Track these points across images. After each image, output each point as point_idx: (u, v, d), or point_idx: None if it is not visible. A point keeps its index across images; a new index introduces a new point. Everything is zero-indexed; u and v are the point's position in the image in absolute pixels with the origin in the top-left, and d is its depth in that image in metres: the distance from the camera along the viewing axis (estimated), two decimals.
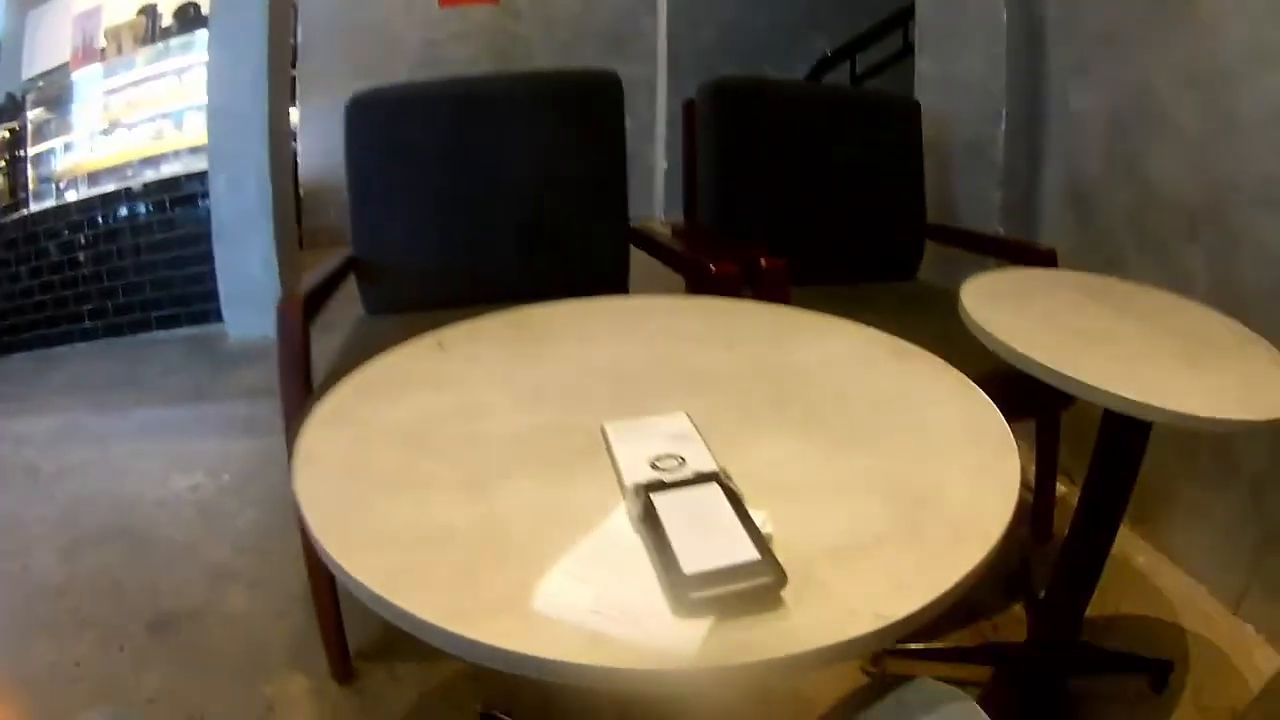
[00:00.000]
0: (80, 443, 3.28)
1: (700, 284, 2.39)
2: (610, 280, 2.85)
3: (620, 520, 1.04)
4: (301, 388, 2.09)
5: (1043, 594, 2.24)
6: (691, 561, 0.93)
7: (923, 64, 3.77)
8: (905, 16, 5.20)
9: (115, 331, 4.67)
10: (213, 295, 4.61)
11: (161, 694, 2.14)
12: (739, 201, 3.08)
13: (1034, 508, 2.85)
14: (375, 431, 1.27)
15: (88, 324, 4.65)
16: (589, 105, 2.91)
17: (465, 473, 1.16)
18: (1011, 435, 1.25)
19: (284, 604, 2.52)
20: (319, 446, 1.22)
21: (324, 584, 2.14)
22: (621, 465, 1.13)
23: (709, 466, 1.10)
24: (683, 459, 1.12)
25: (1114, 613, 2.48)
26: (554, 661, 0.86)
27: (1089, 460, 1.94)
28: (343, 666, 2.27)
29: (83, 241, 4.64)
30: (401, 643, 2.31)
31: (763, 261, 2.40)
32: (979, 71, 3.42)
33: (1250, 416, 1.54)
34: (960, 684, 2.08)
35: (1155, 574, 2.65)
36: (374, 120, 2.77)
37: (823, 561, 0.99)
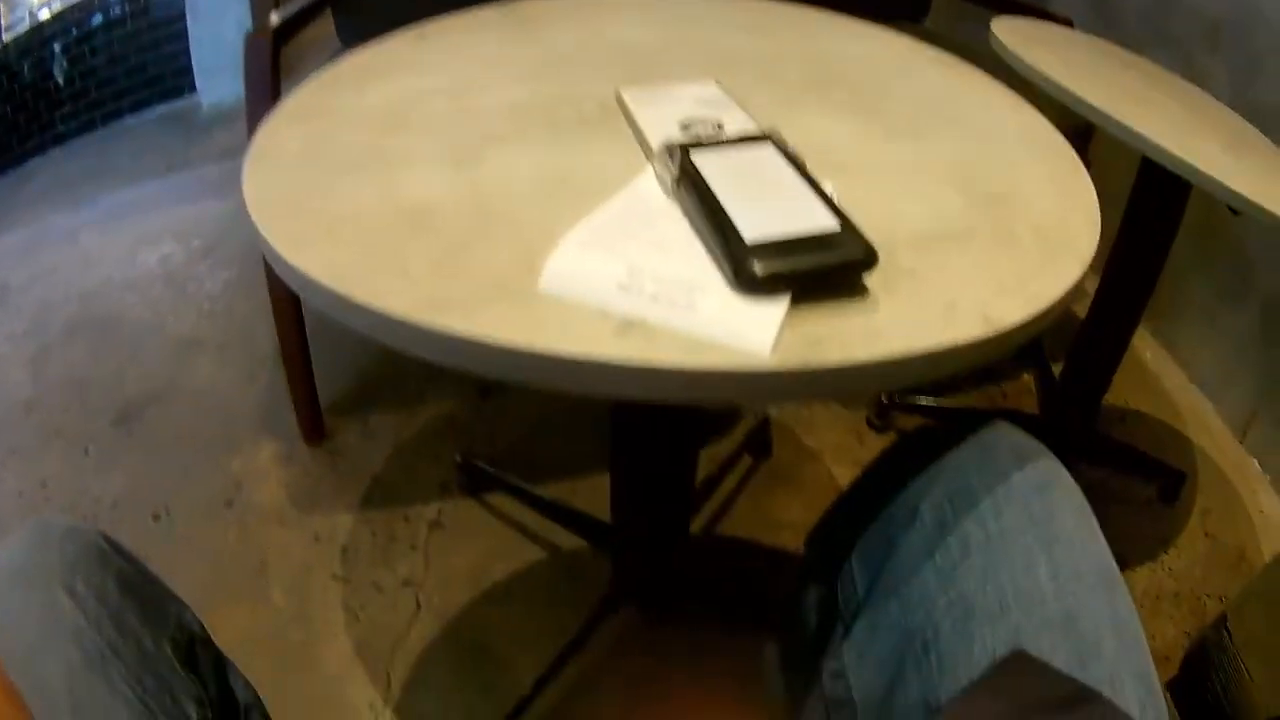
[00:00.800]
0: (49, 247, 2.95)
1: None
2: None
3: (648, 185, 0.77)
4: None
5: (1058, 371, 2.05)
6: (753, 227, 0.66)
7: None
8: None
9: (88, 128, 4.28)
10: (186, 70, 4.23)
11: (125, 495, 1.92)
12: None
13: None
14: (343, 118, 0.96)
15: (60, 128, 4.27)
16: None
17: (449, 145, 0.87)
18: (1076, 154, 0.98)
19: (253, 366, 2.26)
20: (275, 142, 0.91)
21: (292, 332, 1.87)
22: (645, 128, 0.85)
23: (754, 129, 0.83)
24: (720, 123, 0.86)
25: (1124, 405, 2.30)
26: (576, 359, 0.60)
27: (1114, 238, 1.72)
28: (313, 426, 2.03)
29: (55, 53, 4.23)
30: (376, 393, 2.16)
31: None
32: None
33: None
34: None
35: (1163, 374, 2.46)
36: None
37: (907, 248, 0.73)
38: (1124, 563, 1.80)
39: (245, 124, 1.72)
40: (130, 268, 2.69)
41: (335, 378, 2.11)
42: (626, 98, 0.93)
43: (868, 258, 0.65)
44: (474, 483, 1.91)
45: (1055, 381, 2.10)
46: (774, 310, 0.61)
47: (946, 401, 2.14)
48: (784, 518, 1.87)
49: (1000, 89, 1.13)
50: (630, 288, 0.63)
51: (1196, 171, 1.26)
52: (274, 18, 1.91)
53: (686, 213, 0.72)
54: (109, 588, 0.75)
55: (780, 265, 0.63)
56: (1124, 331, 1.85)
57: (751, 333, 0.60)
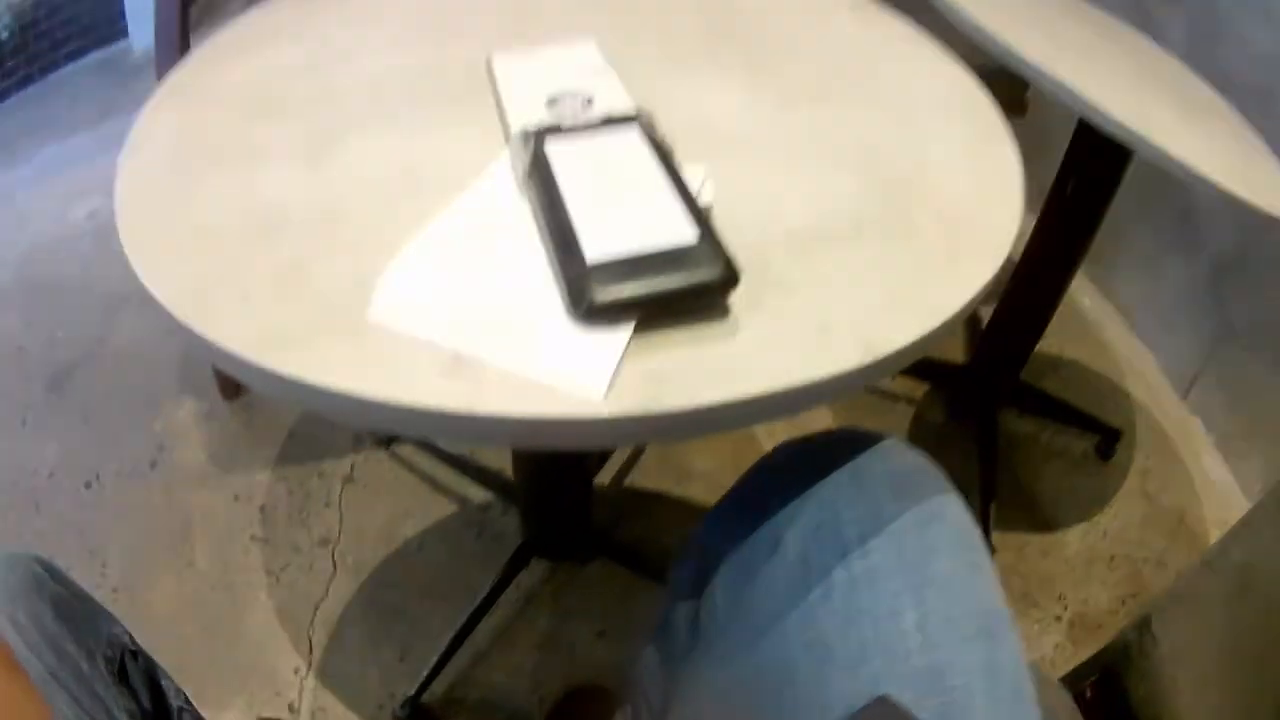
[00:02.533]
0: None
1: None
2: None
3: (501, 181, 0.70)
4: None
5: (987, 320, 1.95)
6: (599, 243, 0.60)
7: None
8: None
9: (27, 82, 4.30)
10: (120, 15, 4.23)
11: (60, 464, 1.90)
12: None
13: None
14: (214, 99, 0.90)
15: (2, 84, 4.28)
16: None
17: (308, 135, 0.81)
18: (1003, 121, 0.90)
19: (174, 321, 2.15)
20: (151, 129, 0.86)
21: None
22: (508, 107, 0.79)
23: (625, 107, 0.76)
24: (590, 98, 0.79)
25: (1058, 354, 2.24)
26: (398, 405, 0.55)
27: (1050, 185, 1.63)
28: (229, 381, 2.00)
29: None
30: None
31: None
32: None
33: (1230, 186, 1.18)
34: (893, 397, 2.06)
35: (1102, 324, 2.39)
36: None
37: (782, 251, 0.67)
38: (1058, 522, 1.81)
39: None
40: (61, 225, 2.67)
41: None
42: (496, 65, 0.86)
43: (726, 278, 0.59)
44: (385, 437, 1.89)
45: (983, 329, 2.00)
46: (613, 344, 0.56)
47: None
48: (694, 467, 1.86)
49: (923, 41, 1.05)
50: (462, 319, 0.57)
51: (1138, 138, 1.15)
52: None
53: (534, 215, 0.65)
54: (46, 615, 0.79)
55: (623, 291, 0.57)
56: (1058, 285, 1.77)
57: (585, 373, 0.54)
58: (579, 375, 0.53)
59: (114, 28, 4.15)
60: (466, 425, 0.54)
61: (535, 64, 0.87)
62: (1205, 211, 2.10)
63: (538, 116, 0.76)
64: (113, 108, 3.37)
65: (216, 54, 0.97)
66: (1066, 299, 1.96)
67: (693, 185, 0.66)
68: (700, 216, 0.62)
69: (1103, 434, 1.99)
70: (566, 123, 0.71)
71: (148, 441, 1.90)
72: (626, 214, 0.62)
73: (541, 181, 0.65)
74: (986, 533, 1.69)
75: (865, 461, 0.71)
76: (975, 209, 0.75)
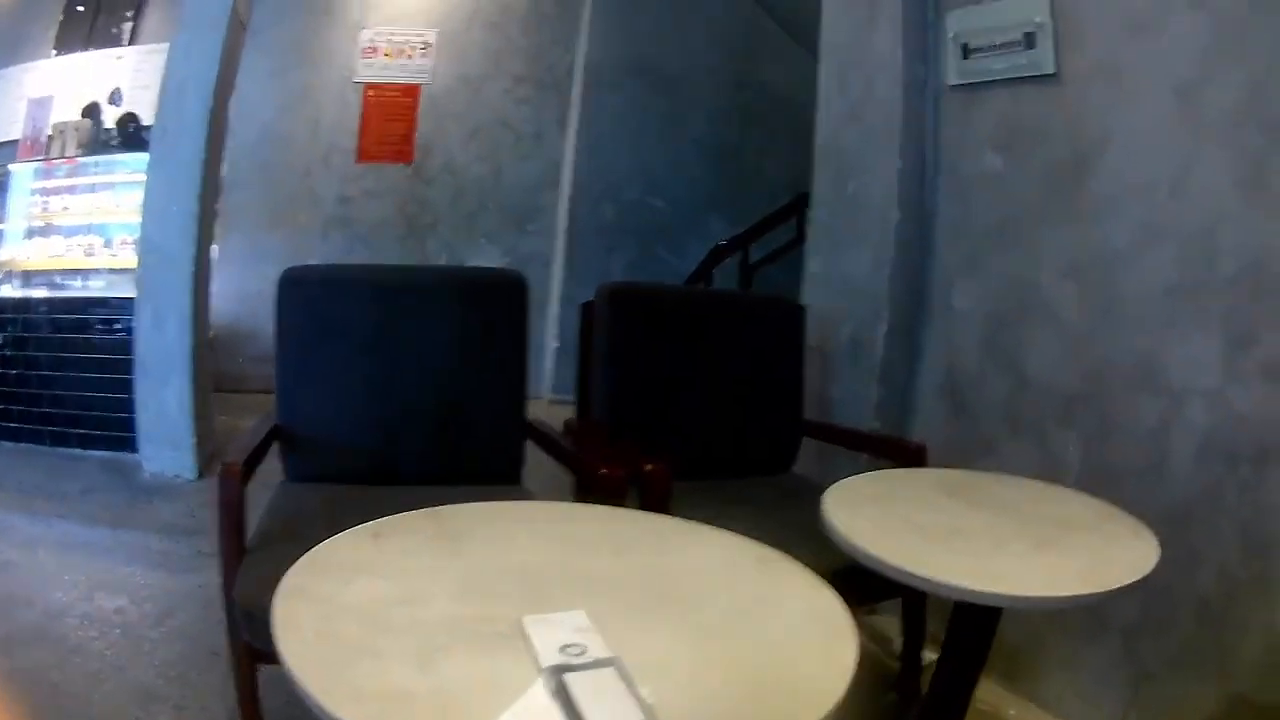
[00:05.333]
0: (7, 542, 3.71)
1: (589, 483, 2.79)
2: (507, 466, 3.32)
3: (540, 692, 1.42)
4: (239, 546, 2.47)
5: None
6: None
7: (812, 264, 4.18)
8: (800, 204, 5.67)
9: (37, 439, 5.19)
10: (130, 424, 5.12)
11: None
12: (629, 400, 3.53)
13: (901, 672, 3.25)
14: (336, 610, 1.64)
15: (13, 424, 5.18)
16: (497, 302, 3.39)
17: (414, 649, 1.53)
18: (853, 625, 1.66)
19: None
20: (291, 618, 1.59)
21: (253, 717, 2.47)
22: (539, 651, 1.51)
23: (605, 654, 1.48)
24: (585, 647, 1.51)
25: None
26: None
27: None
28: None
29: (13, 340, 5.18)
30: None
31: (647, 466, 2.79)
32: (866, 271, 3.84)
33: (1087, 590, 1.86)
34: None
35: None
36: (304, 296, 3.22)
37: None
38: None
39: (186, 502, 2.33)
40: (88, 604, 3.36)
41: None
42: (526, 624, 1.58)
43: None
44: None
45: None
46: None
47: None
48: None
49: (805, 577, 1.82)
50: None
51: (986, 595, 1.84)
52: (242, 444, 2.66)
53: (561, 710, 1.36)
54: None
55: None
56: (958, 712, 2.35)
57: None
58: None
59: (124, 435, 5.03)
60: None
61: (551, 622, 1.58)
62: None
63: (556, 658, 1.46)
64: (128, 522, 4.21)
65: (318, 570, 1.75)
66: (992, 715, 2.59)
67: (643, 693, 1.37)
68: (649, 710, 1.34)
69: None
70: (573, 663, 1.43)
71: None
72: (609, 710, 1.34)
73: (564, 696, 1.36)
74: None
75: None
76: (816, 687, 1.48)
